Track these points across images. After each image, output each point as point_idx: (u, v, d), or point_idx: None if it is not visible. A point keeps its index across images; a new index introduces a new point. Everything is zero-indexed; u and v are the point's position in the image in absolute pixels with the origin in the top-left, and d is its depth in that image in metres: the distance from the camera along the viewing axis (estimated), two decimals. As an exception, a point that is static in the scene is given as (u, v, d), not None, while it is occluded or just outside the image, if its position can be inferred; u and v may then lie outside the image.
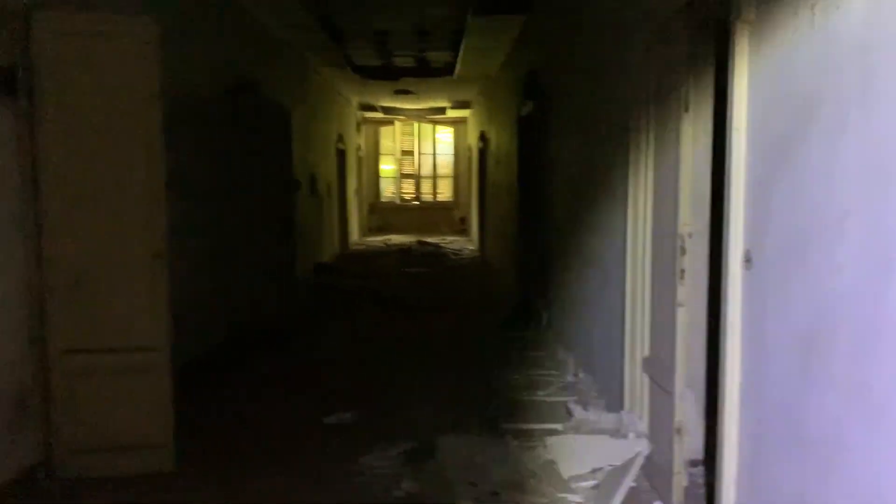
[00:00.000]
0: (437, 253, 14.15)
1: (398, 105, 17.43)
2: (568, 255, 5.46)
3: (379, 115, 18.53)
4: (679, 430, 3.03)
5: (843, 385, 1.87)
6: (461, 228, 19.81)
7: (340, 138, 14.30)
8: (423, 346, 6.28)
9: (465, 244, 16.32)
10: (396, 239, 17.57)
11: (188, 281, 5.40)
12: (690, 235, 3.03)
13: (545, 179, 6.52)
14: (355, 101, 16.30)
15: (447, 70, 11.92)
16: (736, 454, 2.45)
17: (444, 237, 17.99)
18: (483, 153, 13.60)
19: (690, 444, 3.27)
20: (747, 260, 2.41)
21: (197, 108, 5.84)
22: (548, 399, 4.63)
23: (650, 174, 3.44)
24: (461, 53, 9.87)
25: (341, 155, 14.60)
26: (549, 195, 6.35)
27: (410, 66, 11.80)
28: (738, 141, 2.44)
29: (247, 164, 6.89)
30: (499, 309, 7.59)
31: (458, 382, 5.14)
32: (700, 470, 3.53)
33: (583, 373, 4.83)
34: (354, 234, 16.93)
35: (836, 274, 1.89)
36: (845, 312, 1.85)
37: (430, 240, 16.80)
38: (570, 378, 5.02)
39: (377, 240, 17.33)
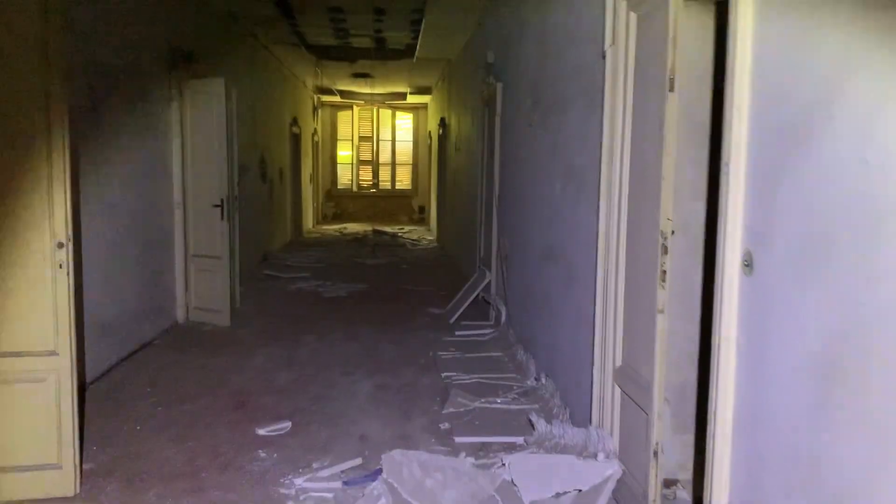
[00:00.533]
0: (393, 243, 13.68)
1: (356, 89, 16.84)
2: (528, 248, 5.07)
3: (336, 99, 17.91)
4: (656, 454, 2.66)
5: (875, 425, 1.49)
6: (420, 218, 19.35)
7: (295, 122, 13.70)
8: (371, 345, 5.83)
9: (423, 234, 15.87)
10: (353, 227, 17.03)
11: (108, 273, 4.86)
12: (673, 232, 2.65)
13: (507, 166, 6.12)
14: (311, 83, 15.68)
15: (407, 52, 11.43)
16: (726, 499, 2.09)
17: (402, 226, 17.51)
18: (443, 139, 13.15)
19: (664, 462, 2.92)
20: (747, 264, 2.04)
21: (130, 80, 5.28)
22: (507, 407, 4.24)
23: (626, 160, 3.04)
24: (421, 33, 9.39)
25: (296, 139, 13.99)
26: (510, 182, 5.96)
27: (368, 47, 11.27)
28: (739, 120, 2.05)
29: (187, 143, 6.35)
30: (453, 303, 7.17)
31: (408, 386, 4.71)
32: (674, 491, 3.18)
33: (546, 378, 4.45)
34: (309, 221, 16.34)
35: (873, 284, 1.51)
36: (883, 333, 1.48)
37: (387, 229, 16.31)
38: (531, 383, 4.64)
39: (332, 228, 16.76)
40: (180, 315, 6.46)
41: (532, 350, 4.91)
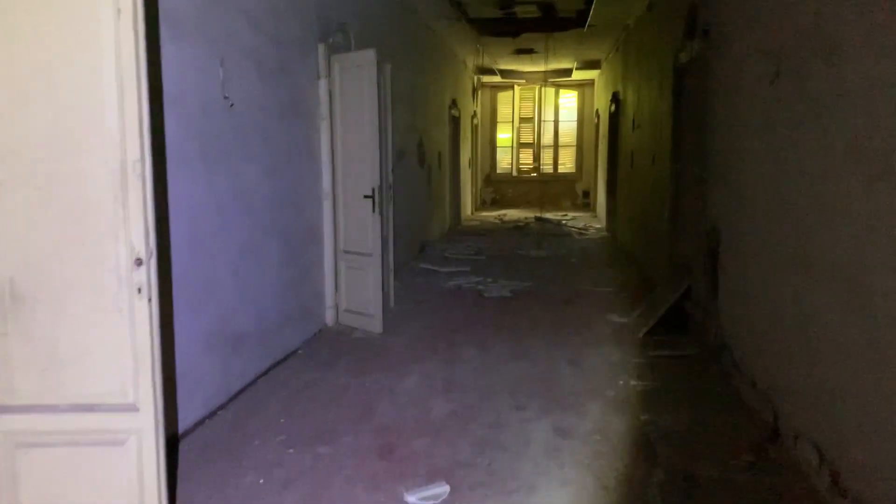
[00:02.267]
0: (558, 232, 12.52)
1: (518, 67, 15.78)
2: (764, 251, 3.78)
3: (497, 79, 16.96)
4: None
5: None
6: (584, 203, 18.00)
7: (454, 104, 12.90)
8: (543, 365, 4.80)
9: (589, 221, 14.56)
10: (512, 214, 16.06)
11: (243, 277, 4.18)
12: None
13: (716, 141, 4.81)
14: (471, 63, 14.82)
15: (578, 21, 10.19)
16: None
17: (566, 213, 16.27)
18: (615, 117, 11.77)
19: None
20: None
21: (271, 52, 4.59)
22: (742, 478, 3.05)
23: None
24: (597, -6, 8.16)
25: (455, 122, 13.21)
26: (722, 161, 4.65)
27: (534, 18, 10.16)
28: None
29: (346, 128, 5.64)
30: (640, 310, 5.96)
31: (597, 434, 3.63)
32: None
33: (800, 441, 3.18)
34: (467, 207, 15.58)
35: None
36: None
37: (549, 216, 15.16)
38: (767, 440, 3.40)
39: (491, 214, 15.89)
40: (329, 318, 5.79)
41: (767, 389, 3.63)
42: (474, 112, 16.37)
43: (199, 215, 3.71)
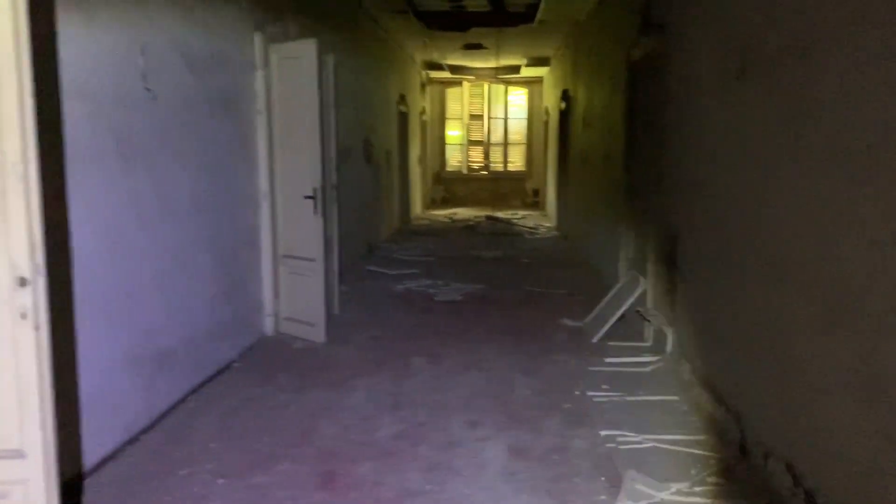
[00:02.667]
0: (509, 231, 12.34)
1: (467, 63, 15.55)
2: (725, 254, 3.61)
3: (446, 74, 16.68)
4: None
5: None
6: (534, 202, 17.90)
7: (402, 100, 12.59)
8: (497, 376, 4.57)
9: (540, 220, 14.44)
10: (463, 213, 15.83)
11: (171, 289, 3.80)
12: None
13: (673, 141, 4.64)
14: (419, 58, 14.52)
15: (527, 15, 10.00)
16: None
17: (516, 211, 16.14)
18: (565, 115, 11.65)
19: None
20: None
21: (209, 47, 4.21)
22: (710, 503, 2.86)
23: None
24: (548, -12, 7.97)
25: (403, 118, 12.90)
26: (680, 162, 4.49)
27: (483, 12, 9.92)
28: None
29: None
30: (595, 314, 5.78)
31: (556, 452, 3.40)
32: None
33: (770, 459, 3.01)
34: (417, 206, 15.28)
35: None
36: None
37: (500, 214, 14.99)
38: (730, 453, 3.22)
39: (441, 213, 15.63)
40: (269, 326, 5.43)
41: (735, 404, 3.45)
42: (423, 108, 16.07)
43: (115, 220, 3.33)
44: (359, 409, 3.92)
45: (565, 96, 11.48)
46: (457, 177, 18.33)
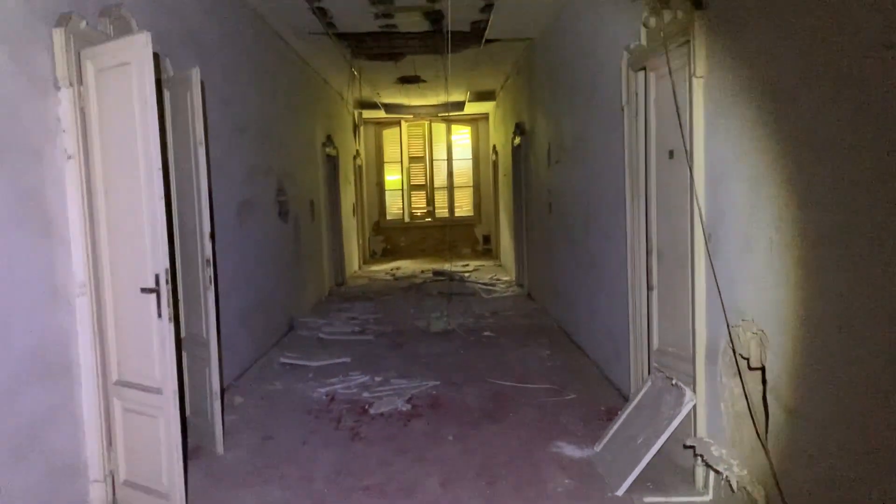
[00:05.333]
0: (462, 290, 10.45)
1: (404, 101, 13.82)
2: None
3: (381, 114, 14.91)
4: None
5: None
6: (485, 249, 16.15)
7: (329, 141, 10.71)
8: None
9: (495, 271, 12.63)
10: (407, 266, 13.92)
11: None
12: None
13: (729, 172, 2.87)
14: (349, 96, 12.72)
15: (473, 36, 8.31)
16: None
17: (467, 262, 14.30)
18: (520, 151, 9.95)
19: None
20: None
21: None
22: None
23: None
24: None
25: (332, 163, 11.00)
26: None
27: (420, 32, 8.19)
28: None
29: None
30: (609, 435, 3.91)
31: None
32: None
33: None
34: (354, 262, 13.30)
35: None
36: None
37: (449, 267, 13.13)
38: None
39: (382, 268, 13.67)
40: (96, 496, 3.36)
41: None
42: (357, 152, 14.22)
43: None
44: None
45: (519, 130, 9.80)
46: (398, 225, 16.45)
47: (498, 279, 11.61)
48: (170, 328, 3.14)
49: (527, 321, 7.82)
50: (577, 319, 6.40)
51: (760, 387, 2.79)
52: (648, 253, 3.96)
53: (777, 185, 2.59)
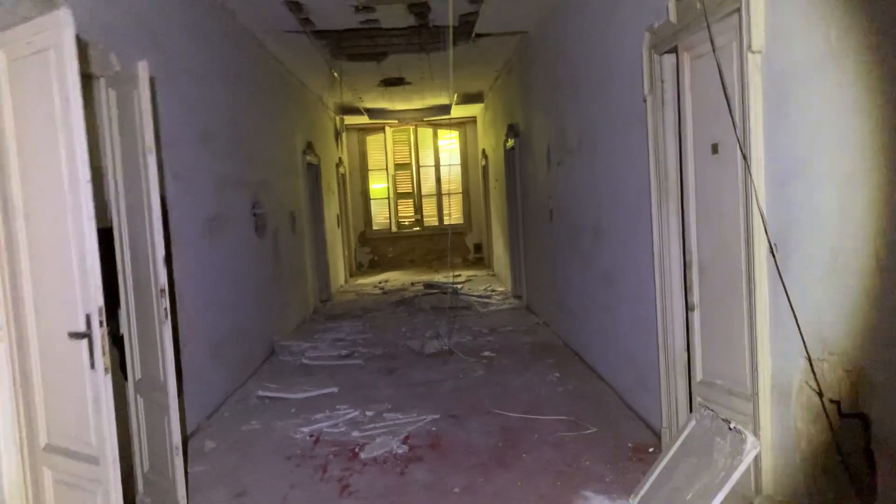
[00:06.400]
0: (456, 303, 9.82)
1: (388, 105, 13.20)
2: None
3: (364, 119, 14.28)
4: None
5: None
6: (476, 258, 15.54)
7: (310, 149, 10.07)
8: None
9: (489, 282, 12.01)
10: (395, 278, 13.28)
11: None
12: None
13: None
14: (331, 101, 12.10)
15: (462, 29, 7.72)
16: None
17: (458, 273, 13.68)
18: (513, 154, 9.35)
19: None
20: None
21: None
22: None
23: None
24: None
25: (313, 172, 10.35)
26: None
27: (404, 27, 7.60)
28: None
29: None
30: (648, 482, 3.30)
31: None
32: None
33: None
34: (340, 276, 12.63)
35: None
36: None
37: (440, 279, 12.50)
38: None
39: (370, 282, 13.02)
40: (26, 591, 2.69)
41: None
42: (339, 159, 13.58)
43: None
44: None
45: (513, 132, 9.20)
46: (385, 236, 15.80)
47: (493, 290, 10.99)
48: (106, 381, 2.50)
49: (529, 338, 7.20)
50: (588, 338, 5.79)
51: (860, 438, 2.19)
52: (687, 266, 3.36)
53: (890, 185, 1.99)
